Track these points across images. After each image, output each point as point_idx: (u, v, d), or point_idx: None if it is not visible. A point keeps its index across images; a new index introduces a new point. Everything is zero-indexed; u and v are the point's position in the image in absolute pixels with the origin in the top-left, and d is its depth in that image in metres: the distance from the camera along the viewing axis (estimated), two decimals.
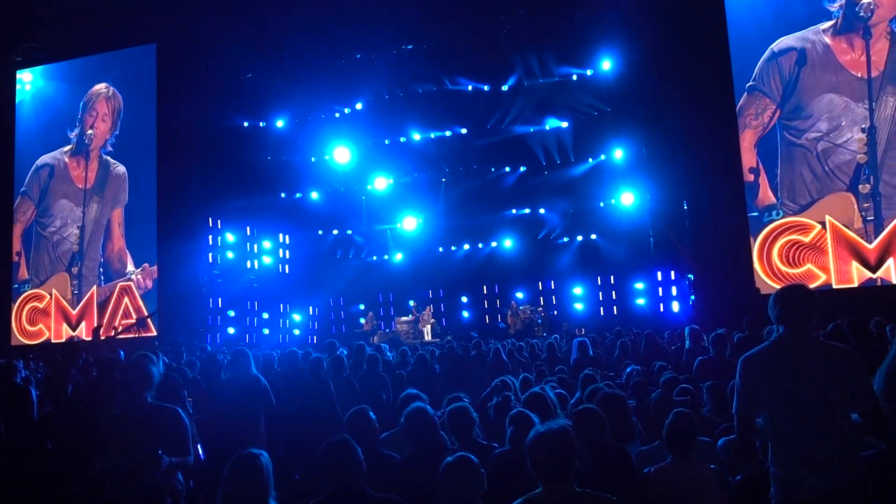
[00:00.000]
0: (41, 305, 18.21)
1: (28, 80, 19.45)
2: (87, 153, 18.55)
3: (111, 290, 17.78)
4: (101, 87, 18.66)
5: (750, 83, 13.94)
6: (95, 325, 16.84)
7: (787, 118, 13.65)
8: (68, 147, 18.76)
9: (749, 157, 13.92)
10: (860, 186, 13.00)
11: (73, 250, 18.22)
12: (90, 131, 18.57)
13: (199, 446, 4.75)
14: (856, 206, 13.00)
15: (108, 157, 18.38)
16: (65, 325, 17.90)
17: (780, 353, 3.32)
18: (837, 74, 13.25)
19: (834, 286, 12.90)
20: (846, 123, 13.15)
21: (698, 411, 5.17)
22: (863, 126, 13.00)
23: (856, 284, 12.83)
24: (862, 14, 13.09)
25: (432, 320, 19.21)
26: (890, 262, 12.67)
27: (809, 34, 13.54)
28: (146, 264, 17.57)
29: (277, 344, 17.86)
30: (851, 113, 13.11)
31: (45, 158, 18.88)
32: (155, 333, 16.74)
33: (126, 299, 17.59)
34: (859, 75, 13.10)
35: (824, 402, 3.16)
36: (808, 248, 13.31)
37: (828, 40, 13.39)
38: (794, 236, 13.44)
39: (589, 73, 17.78)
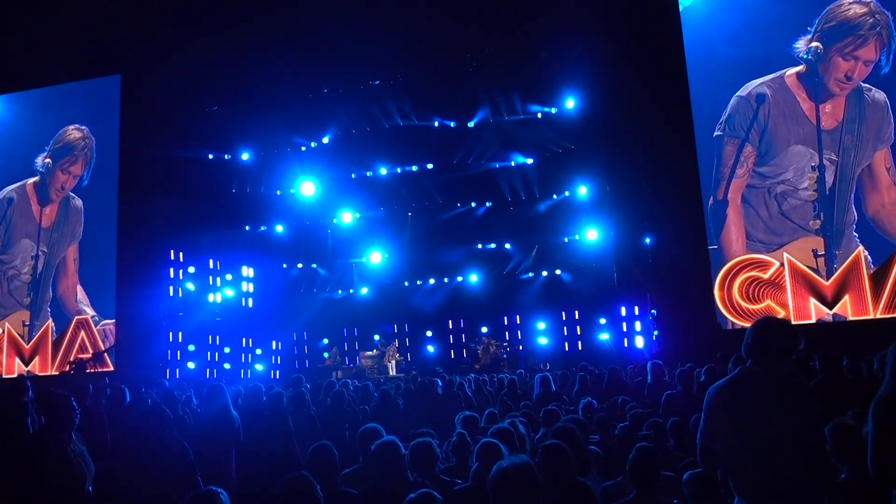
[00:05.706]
0: None
1: None
2: (50, 190, 18.18)
3: (67, 323, 17.33)
4: (72, 128, 18.33)
5: (718, 132, 14.15)
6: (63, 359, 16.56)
7: (756, 164, 13.90)
8: (32, 179, 18.36)
9: (733, 210, 13.98)
10: (811, 223, 13.34)
11: (27, 282, 17.76)
12: (52, 167, 18.19)
13: None
14: (810, 245, 13.31)
15: (69, 192, 18.06)
16: (17, 360, 17.36)
17: (742, 385, 3.34)
18: (804, 126, 13.57)
19: (792, 322, 13.14)
20: (807, 172, 13.49)
21: (663, 446, 5.17)
22: (812, 164, 13.37)
23: (813, 320, 13.09)
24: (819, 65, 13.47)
25: (397, 356, 19.04)
26: (846, 298, 12.97)
27: (774, 82, 13.85)
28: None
29: (239, 379, 17.50)
30: (813, 162, 13.44)
31: (7, 191, 18.48)
32: (112, 368, 16.30)
33: (83, 333, 17.15)
34: (822, 126, 13.43)
35: (781, 435, 3.19)
36: (767, 285, 13.56)
37: (792, 89, 13.71)
38: (753, 273, 13.69)
39: (553, 111, 18.07)
